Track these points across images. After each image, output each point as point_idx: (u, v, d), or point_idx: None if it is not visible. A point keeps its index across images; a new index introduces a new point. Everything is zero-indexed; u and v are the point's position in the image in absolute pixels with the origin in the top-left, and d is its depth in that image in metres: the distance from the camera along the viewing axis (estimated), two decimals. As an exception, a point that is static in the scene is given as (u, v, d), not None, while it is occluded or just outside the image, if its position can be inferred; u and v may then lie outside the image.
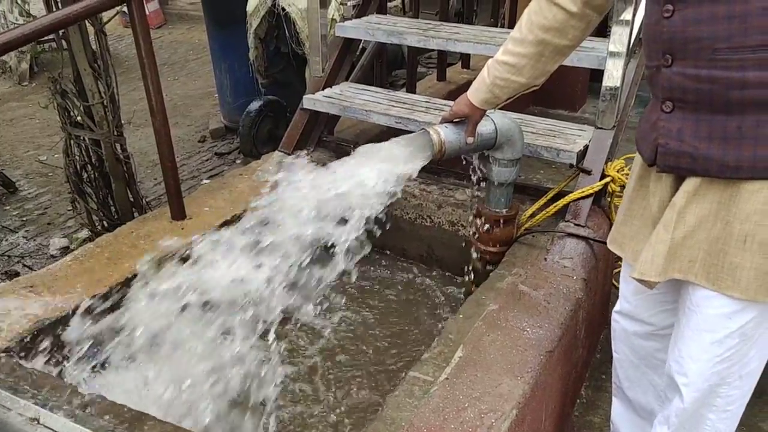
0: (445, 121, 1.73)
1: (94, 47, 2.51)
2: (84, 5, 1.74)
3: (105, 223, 2.83)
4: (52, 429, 1.24)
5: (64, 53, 2.53)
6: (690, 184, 1.21)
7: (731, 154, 1.14)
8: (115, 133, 2.62)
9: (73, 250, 2.96)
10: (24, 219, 3.45)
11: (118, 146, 2.64)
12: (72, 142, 2.70)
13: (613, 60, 1.98)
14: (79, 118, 2.61)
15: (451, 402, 1.33)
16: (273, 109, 3.89)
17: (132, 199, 2.78)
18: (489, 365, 1.44)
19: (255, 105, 3.82)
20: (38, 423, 1.26)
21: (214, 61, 4.35)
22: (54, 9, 2.39)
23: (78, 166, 2.74)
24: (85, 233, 3.10)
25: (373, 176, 1.60)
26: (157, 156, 3.88)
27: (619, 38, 1.95)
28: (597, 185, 1.99)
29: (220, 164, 4.11)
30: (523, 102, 2.91)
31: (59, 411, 1.27)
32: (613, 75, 2.00)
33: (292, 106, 3.53)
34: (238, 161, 4.09)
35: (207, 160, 4.20)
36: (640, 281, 1.30)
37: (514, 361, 1.45)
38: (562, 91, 4.29)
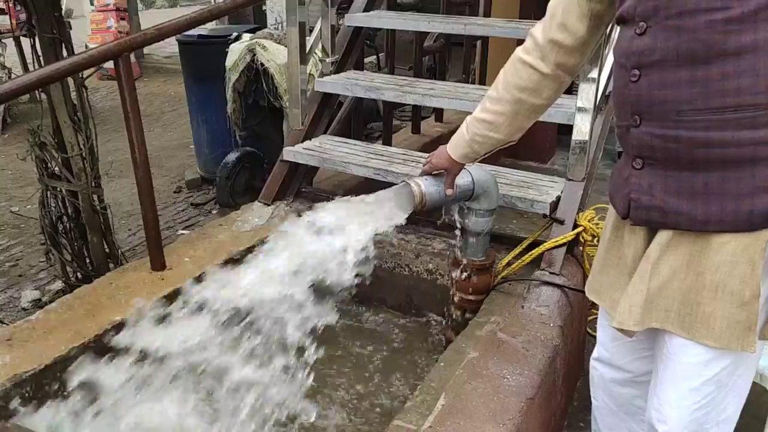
0: (425, 173, 1.79)
1: (73, 100, 2.54)
2: (71, 61, 1.79)
3: (79, 274, 2.80)
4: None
5: (43, 105, 2.56)
6: (662, 236, 1.27)
7: (699, 209, 1.20)
8: (93, 184, 2.63)
9: (45, 303, 2.92)
10: (-6, 271, 3.39)
11: (95, 197, 2.65)
12: (48, 193, 2.69)
13: (581, 115, 2.09)
14: (57, 169, 2.62)
15: (436, 451, 1.35)
16: (250, 160, 3.93)
17: (108, 251, 2.77)
18: (471, 413, 1.46)
19: (232, 156, 3.86)
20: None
21: (192, 113, 4.41)
22: (31, 66, 2.43)
23: (54, 218, 2.73)
24: (58, 285, 3.05)
25: (357, 230, 1.64)
26: (131, 207, 3.86)
27: (587, 95, 2.06)
28: (570, 234, 2.06)
29: (196, 215, 4.11)
30: (495, 154, 3.00)
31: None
32: (582, 129, 2.10)
33: (269, 158, 3.59)
34: (214, 212, 4.10)
35: (183, 210, 4.19)
36: (620, 330, 1.35)
37: (496, 409, 1.47)
38: (532, 144, 4.43)
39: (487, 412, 1.47)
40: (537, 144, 4.54)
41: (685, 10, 1.13)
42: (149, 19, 9.28)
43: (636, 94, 1.23)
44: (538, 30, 1.49)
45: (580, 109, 2.08)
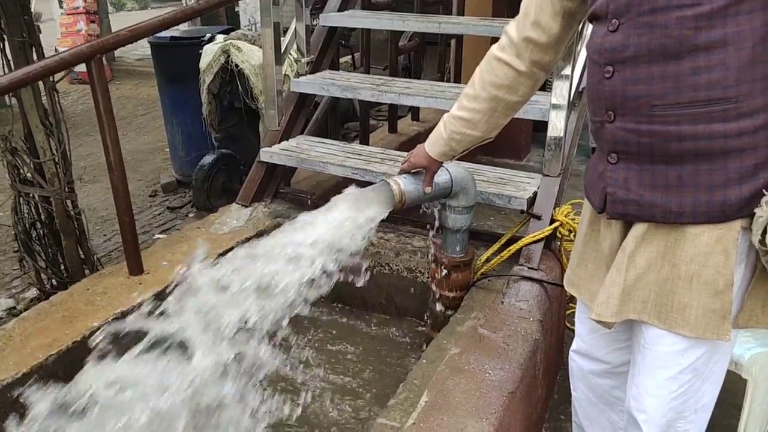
0: (403, 172, 1.80)
1: (45, 104, 2.50)
2: (44, 64, 1.76)
3: (54, 281, 2.76)
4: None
5: (14, 110, 2.52)
6: (638, 229, 1.29)
7: (674, 201, 1.23)
8: (67, 189, 2.60)
9: (20, 311, 2.87)
10: (-34, 280, 3.32)
11: (69, 203, 2.61)
12: (21, 199, 2.65)
13: (555, 112, 2.11)
14: (29, 175, 2.58)
15: (420, 447, 1.35)
16: (226, 162, 3.90)
17: (83, 257, 2.73)
18: (454, 408, 1.47)
19: (208, 158, 3.83)
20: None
21: (166, 116, 4.36)
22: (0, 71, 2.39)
23: (27, 224, 2.69)
24: (32, 293, 3.00)
25: (336, 230, 1.63)
26: (106, 212, 3.81)
27: (560, 92, 2.08)
28: (547, 230, 2.09)
29: (173, 218, 4.07)
30: (471, 152, 3.01)
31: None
32: (557, 126, 2.13)
33: (246, 160, 3.57)
34: (191, 215, 4.06)
35: (159, 214, 4.15)
36: (599, 322, 1.37)
37: (478, 404, 1.49)
38: (508, 141, 4.46)
39: (470, 407, 1.48)
40: (513, 141, 4.58)
41: (656, 7, 1.15)
42: (120, 21, 9.16)
43: (610, 90, 1.25)
44: (512, 28, 1.50)
45: (554, 106, 2.11)
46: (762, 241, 1.16)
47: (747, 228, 1.20)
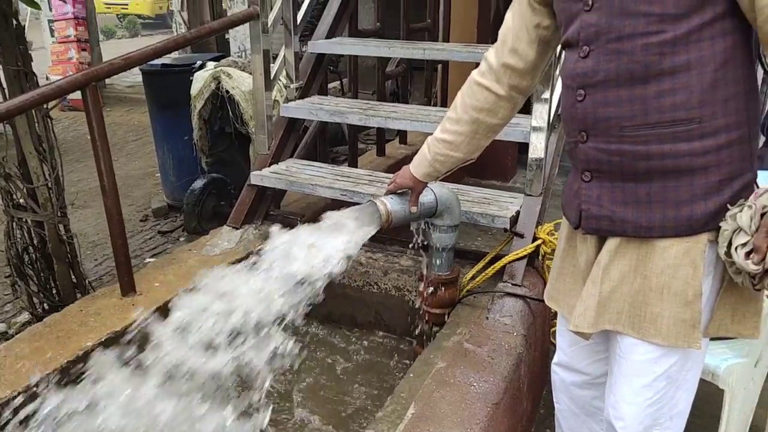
0: (390, 192, 1.87)
1: (38, 131, 2.55)
2: (40, 92, 1.82)
3: (46, 305, 2.78)
4: None
5: (8, 137, 2.57)
6: (611, 243, 1.36)
7: (644, 217, 1.30)
8: (59, 214, 2.64)
9: (12, 335, 2.89)
10: (-43, 305, 3.33)
11: (61, 227, 2.65)
12: (14, 224, 2.69)
13: (536, 134, 2.19)
14: (22, 200, 2.62)
15: (407, 457, 1.40)
16: (217, 186, 3.96)
17: (75, 280, 2.76)
18: (440, 420, 1.51)
19: (199, 183, 3.88)
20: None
21: (157, 141, 4.42)
22: None
23: (20, 249, 2.72)
24: (24, 317, 3.02)
25: (326, 248, 1.69)
26: (97, 237, 3.85)
27: (540, 114, 2.17)
28: (530, 247, 2.15)
29: (164, 242, 4.11)
30: (458, 174, 3.09)
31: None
32: (537, 147, 2.21)
33: (236, 184, 3.62)
34: (182, 239, 4.10)
35: (150, 238, 4.19)
36: (577, 333, 1.43)
37: (464, 415, 1.53)
38: (495, 163, 4.56)
39: (455, 418, 1.53)
40: (500, 164, 4.68)
41: (623, 35, 1.23)
42: (110, 49, 9.28)
43: (582, 113, 1.33)
44: (491, 54, 1.59)
45: (534, 128, 2.19)
46: (727, 253, 1.23)
47: (714, 241, 1.27)
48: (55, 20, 7.61)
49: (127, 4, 16.93)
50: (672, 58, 1.20)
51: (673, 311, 1.31)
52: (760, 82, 1.38)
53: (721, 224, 1.24)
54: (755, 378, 1.84)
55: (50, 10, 7.43)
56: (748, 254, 1.18)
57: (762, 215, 1.17)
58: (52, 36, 7.79)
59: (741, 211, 1.21)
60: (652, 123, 1.24)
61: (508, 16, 1.55)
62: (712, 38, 1.19)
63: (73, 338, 1.91)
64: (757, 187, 1.27)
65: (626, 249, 1.34)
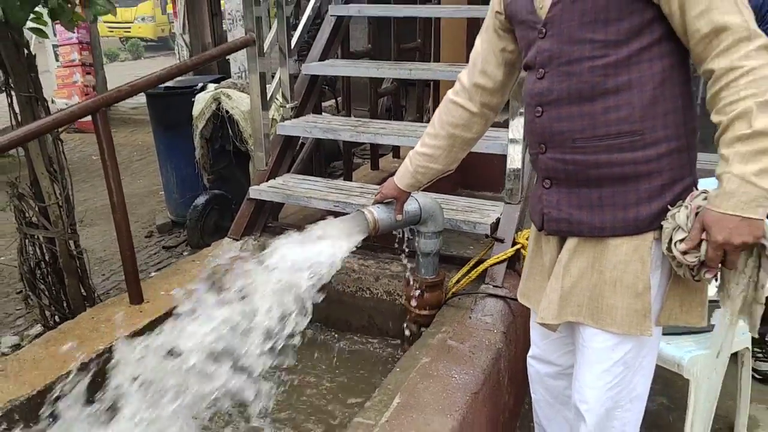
0: (377, 202, 2.03)
1: (49, 152, 2.72)
2: (55, 117, 2.00)
3: (57, 317, 2.93)
4: None
5: (20, 159, 2.73)
6: (571, 243, 1.52)
7: (597, 218, 1.46)
8: (69, 231, 2.79)
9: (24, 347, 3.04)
10: (-28, 320, 3.48)
11: (72, 243, 2.80)
12: (27, 241, 2.85)
13: (513, 146, 2.36)
14: (34, 218, 2.78)
15: (391, 440, 1.55)
16: (219, 202, 4.12)
17: (84, 294, 2.91)
18: (423, 408, 1.66)
19: (201, 199, 4.05)
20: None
21: (161, 160, 4.60)
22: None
23: (32, 264, 2.87)
24: (36, 329, 3.17)
25: (316, 255, 1.85)
26: (104, 253, 4.01)
27: (516, 128, 2.34)
28: (509, 251, 2.31)
29: (168, 257, 4.26)
30: (452, 186, 3.24)
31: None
32: (515, 158, 2.37)
33: (237, 199, 3.78)
34: (186, 253, 4.25)
35: (155, 253, 4.34)
36: (544, 325, 1.58)
37: (444, 403, 1.68)
38: (486, 176, 4.71)
39: (437, 406, 1.67)
40: (491, 176, 4.81)
41: (572, 59, 1.40)
42: (114, 72, 9.52)
43: (540, 127, 1.50)
44: (464, 75, 1.76)
45: (512, 141, 2.36)
46: (669, 248, 1.38)
47: (659, 239, 1.43)
48: (60, 45, 7.82)
49: (129, 28, 17.20)
50: (615, 79, 1.37)
51: (626, 302, 1.46)
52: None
53: (662, 223, 1.40)
54: (717, 368, 1.98)
55: (54, 35, 7.63)
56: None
57: (696, 214, 1.33)
58: (57, 60, 8.00)
59: (679, 211, 1.37)
60: (600, 135, 1.40)
61: (478, 41, 1.72)
62: (650, 60, 1.36)
63: (86, 343, 2.07)
64: (696, 189, 1.43)
65: (584, 248, 1.49)
